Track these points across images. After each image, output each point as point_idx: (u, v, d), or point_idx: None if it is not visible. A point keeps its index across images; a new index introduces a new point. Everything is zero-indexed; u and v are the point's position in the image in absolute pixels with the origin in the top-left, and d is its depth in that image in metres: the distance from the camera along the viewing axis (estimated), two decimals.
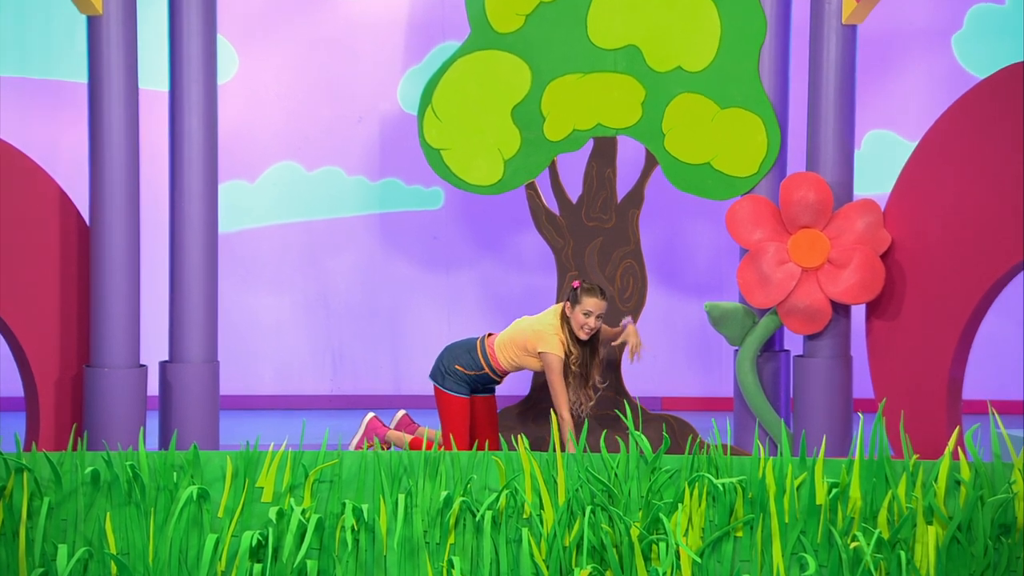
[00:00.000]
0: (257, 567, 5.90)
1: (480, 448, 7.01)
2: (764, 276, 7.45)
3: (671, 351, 10.22)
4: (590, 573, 5.85)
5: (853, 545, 5.86)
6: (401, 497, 6.01)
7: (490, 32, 7.56)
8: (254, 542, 5.94)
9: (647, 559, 5.92)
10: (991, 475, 5.92)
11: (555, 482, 6.03)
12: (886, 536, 5.88)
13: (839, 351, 7.54)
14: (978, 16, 10.16)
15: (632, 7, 7.51)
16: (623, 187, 7.65)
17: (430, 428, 7.49)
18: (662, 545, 5.85)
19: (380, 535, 6.03)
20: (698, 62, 7.50)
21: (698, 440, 7.24)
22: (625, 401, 7.47)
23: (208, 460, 6.13)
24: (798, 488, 5.98)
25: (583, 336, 7.09)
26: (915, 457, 6.01)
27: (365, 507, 6.03)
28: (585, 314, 7.07)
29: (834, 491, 5.95)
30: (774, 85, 7.67)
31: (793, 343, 7.80)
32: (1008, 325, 9.92)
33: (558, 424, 6.74)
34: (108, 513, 6.07)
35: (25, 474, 6.05)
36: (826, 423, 7.47)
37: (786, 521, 5.96)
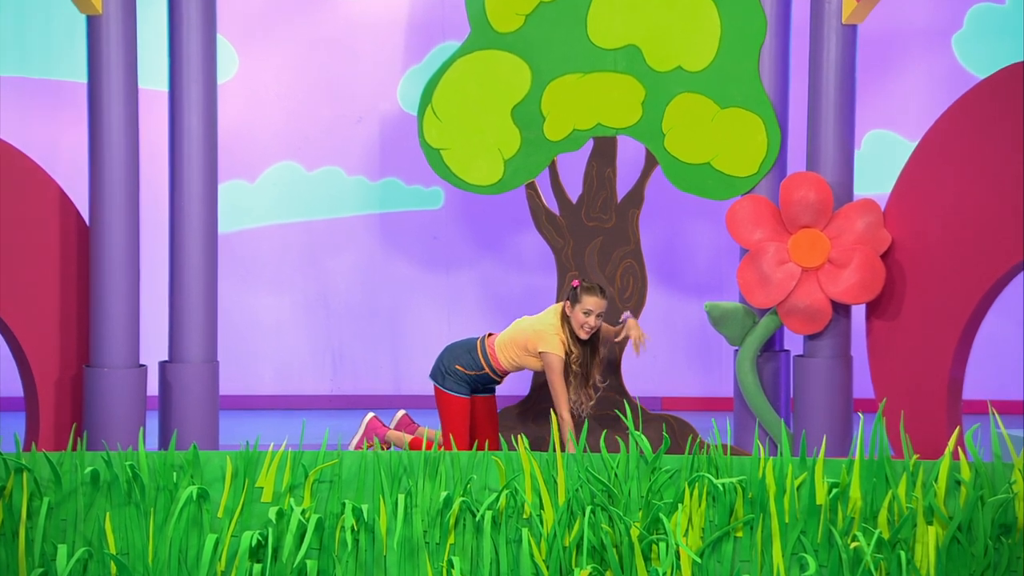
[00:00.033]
0: (257, 567, 5.90)
1: (480, 448, 7.01)
2: (764, 276, 7.45)
3: (671, 351, 10.22)
4: (590, 573, 5.85)
5: (853, 545, 5.86)
6: (401, 497, 6.00)
7: (490, 32, 7.56)
8: (254, 542, 5.94)
9: (647, 559, 5.92)
10: (991, 475, 5.91)
11: (555, 482, 6.03)
12: (886, 536, 5.87)
13: (839, 351, 7.53)
14: (978, 16, 10.16)
15: (632, 7, 7.51)
16: (623, 187, 7.65)
17: (430, 428, 7.48)
18: (662, 545, 5.85)
19: (380, 535, 6.02)
20: (698, 62, 7.50)
21: (698, 440, 7.24)
22: (625, 401, 7.46)
23: (208, 460, 6.13)
24: (798, 488, 5.98)
25: (583, 335, 7.09)
26: (915, 457, 6.00)
27: (365, 507, 6.03)
28: (585, 313, 7.06)
29: (834, 491, 5.95)
30: (774, 85, 7.67)
31: (793, 343, 7.79)
32: (1008, 325, 9.91)
33: (558, 424, 6.74)
34: (108, 513, 6.07)
35: (25, 474, 6.05)
36: (826, 423, 7.47)
37: (786, 521, 5.95)
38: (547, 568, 5.93)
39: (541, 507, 6.00)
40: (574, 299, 7.09)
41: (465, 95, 7.57)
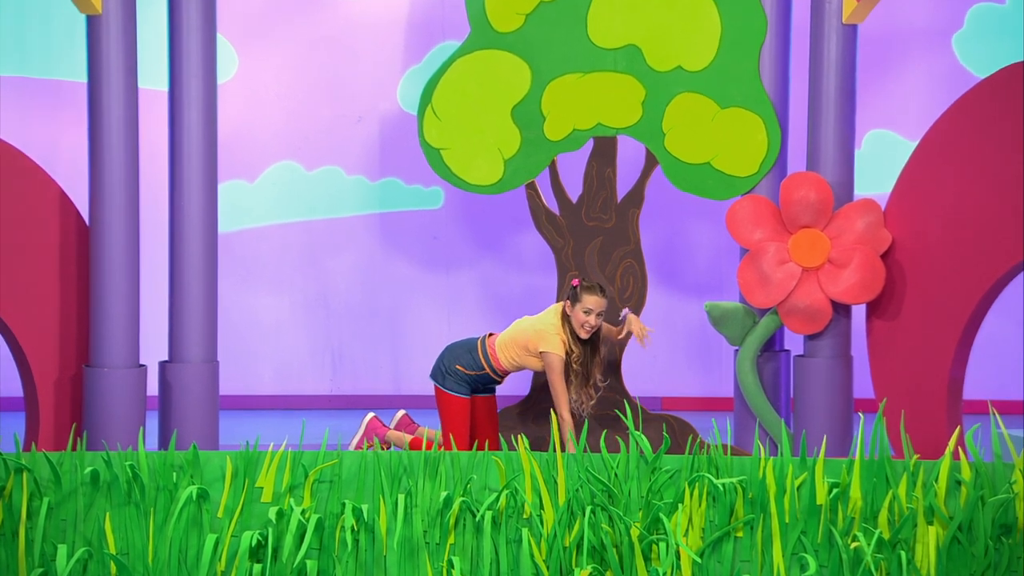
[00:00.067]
0: (257, 567, 5.90)
1: (480, 448, 7.00)
2: (764, 276, 7.44)
3: (671, 351, 10.21)
4: (590, 573, 5.85)
5: (854, 545, 5.86)
6: (401, 497, 6.00)
7: (490, 32, 7.56)
8: (254, 542, 5.93)
9: (647, 559, 5.92)
10: (992, 475, 5.91)
11: (555, 482, 6.02)
12: (887, 536, 5.87)
13: (839, 351, 7.53)
14: (979, 16, 10.16)
15: (632, 7, 7.51)
16: (623, 187, 7.64)
17: (430, 428, 7.48)
18: (662, 545, 5.85)
19: (380, 535, 6.02)
20: (698, 62, 7.50)
21: (698, 440, 7.23)
22: (625, 401, 7.46)
23: (208, 460, 6.13)
24: (798, 488, 5.97)
25: (584, 335, 7.09)
26: (916, 457, 6.00)
27: (365, 507, 6.02)
28: (585, 312, 7.06)
29: (834, 491, 5.94)
30: (774, 85, 7.66)
31: (793, 343, 7.79)
32: (1008, 325, 9.91)
33: (558, 424, 6.74)
34: (108, 513, 6.06)
35: (25, 474, 6.05)
36: (826, 423, 7.46)
37: (786, 521, 5.95)
38: (547, 568, 5.93)
39: (541, 507, 6.00)
40: (574, 298, 7.08)
41: (465, 95, 7.56)
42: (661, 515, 5.90)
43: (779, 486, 5.95)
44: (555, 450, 6.05)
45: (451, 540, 6.01)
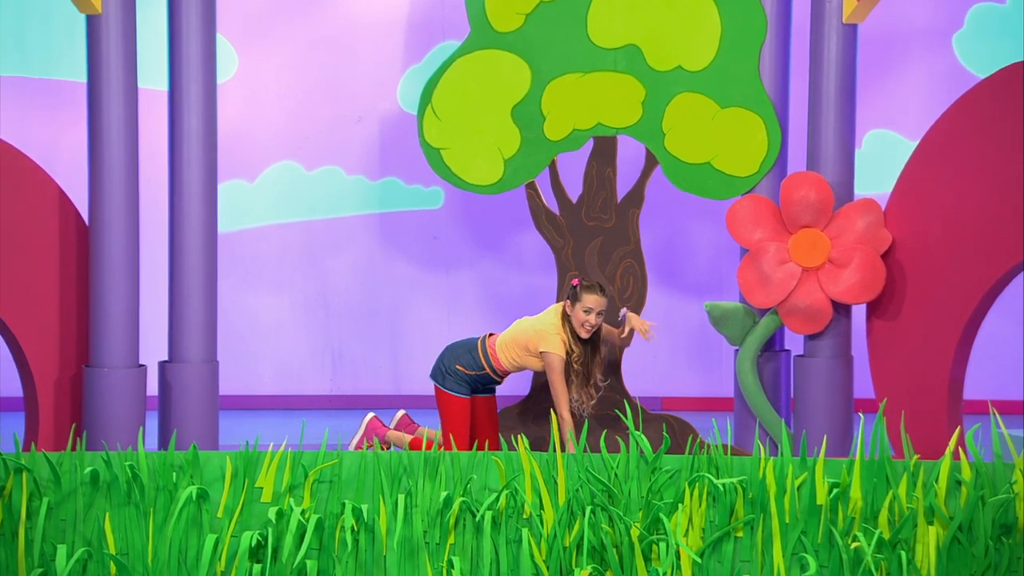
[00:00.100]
0: (256, 567, 5.89)
1: (480, 448, 7.00)
2: (764, 276, 7.44)
3: (671, 351, 10.21)
4: (590, 573, 5.84)
5: (854, 545, 5.85)
6: (401, 497, 6.00)
7: (490, 31, 7.55)
8: (253, 542, 5.93)
9: (647, 559, 5.91)
10: (992, 475, 5.91)
11: (555, 482, 6.02)
12: (887, 536, 5.87)
13: (840, 351, 7.53)
14: (979, 15, 10.15)
15: (632, 6, 7.50)
16: (623, 187, 7.64)
17: (430, 428, 7.48)
18: (662, 545, 5.84)
19: (380, 535, 6.02)
20: (698, 61, 7.49)
21: (698, 440, 7.23)
22: (625, 401, 7.46)
23: (208, 460, 6.13)
24: (799, 488, 5.97)
25: (584, 334, 7.08)
26: (916, 457, 5.99)
27: (365, 507, 6.02)
28: (585, 311, 7.06)
29: (835, 491, 5.94)
30: (774, 84, 7.66)
31: (794, 343, 7.78)
32: (1008, 325, 9.91)
33: (558, 424, 6.73)
34: (107, 513, 6.06)
35: (24, 474, 6.04)
36: (827, 423, 7.46)
37: (787, 521, 5.95)
38: (547, 568, 5.93)
39: (541, 507, 6.00)
40: (574, 298, 7.08)
41: (465, 95, 7.56)
42: (661, 515, 5.89)
43: (779, 486, 5.95)
44: (555, 450, 6.05)
45: (451, 540, 6.01)
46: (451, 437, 7.01)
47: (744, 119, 7.51)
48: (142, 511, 6.05)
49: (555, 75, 7.54)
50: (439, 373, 7.24)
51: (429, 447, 6.99)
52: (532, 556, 5.94)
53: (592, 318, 7.07)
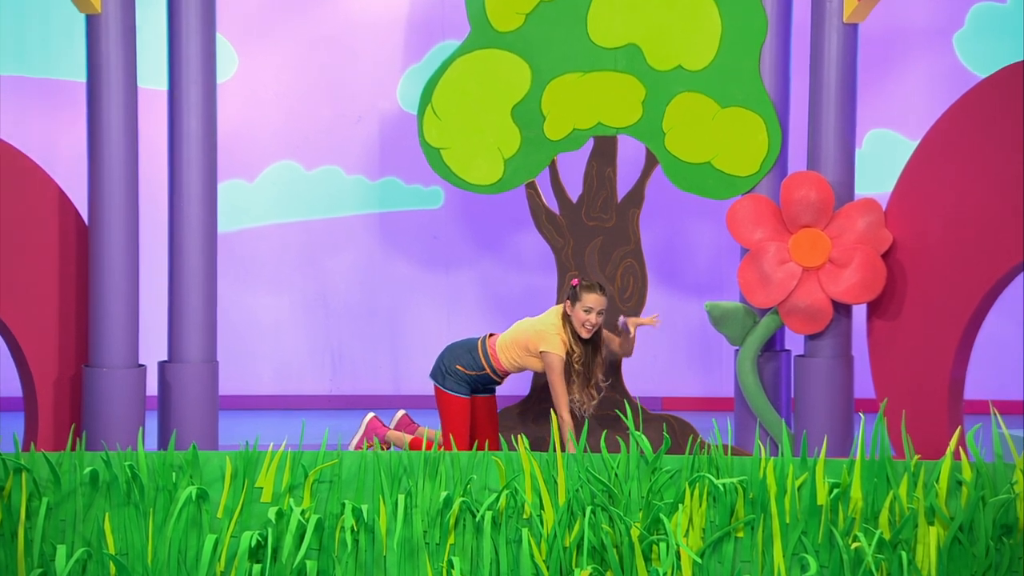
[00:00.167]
0: (256, 567, 5.89)
1: (480, 448, 6.99)
2: (765, 276, 7.43)
3: (671, 351, 10.21)
4: (590, 574, 5.84)
5: (854, 546, 5.85)
6: (401, 497, 5.99)
7: (490, 31, 7.55)
8: (253, 542, 5.93)
9: (647, 559, 5.91)
10: (992, 475, 5.90)
11: (555, 482, 6.02)
12: (887, 537, 5.86)
13: (840, 351, 7.52)
14: (979, 15, 10.15)
15: (632, 6, 7.50)
16: (623, 186, 7.63)
17: (430, 428, 7.47)
18: (662, 545, 5.84)
19: (380, 535, 6.01)
20: (699, 61, 7.49)
21: (699, 440, 7.22)
22: (625, 401, 7.45)
23: (207, 460, 6.12)
24: (799, 488, 5.97)
25: (585, 334, 7.08)
26: (916, 457, 5.99)
27: (365, 507, 6.01)
28: (586, 311, 7.05)
29: (835, 491, 5.93)
30: (775, 84, 7.65)
31: (794, 343, 7.78)
32: (1009, 325, 9.90)
33: (558, 424, 6.72)
34: (107, 513, 6.06)
35: (24, 474, 6.04)
36: (827, 423, 7.45)
37: (787, 521, 5.94)
38: (547, 568, 5.92)
39: (541, 507, 5.99)
40: (574, 298, 7.08)
41: (465, 94, 7.55)
42: (661, 515, 5.89)
43: (780, 486, 5.94)
44: (555, 450, 6.04)
45: (451, 540, 6.01)
46: (451, 437, 7.00)
47: (744, 119, 7.50)
48: (142, 511, 6.05)
49: (555, 75, 7.53)
50: (439, 373, 7.24)
51: (429, 447, 6.99)
52: (532, 556, 5.93)
53: (592, 317, 7.06)
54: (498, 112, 7.55)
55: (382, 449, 7.33)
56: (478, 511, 5.97)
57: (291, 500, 6.04)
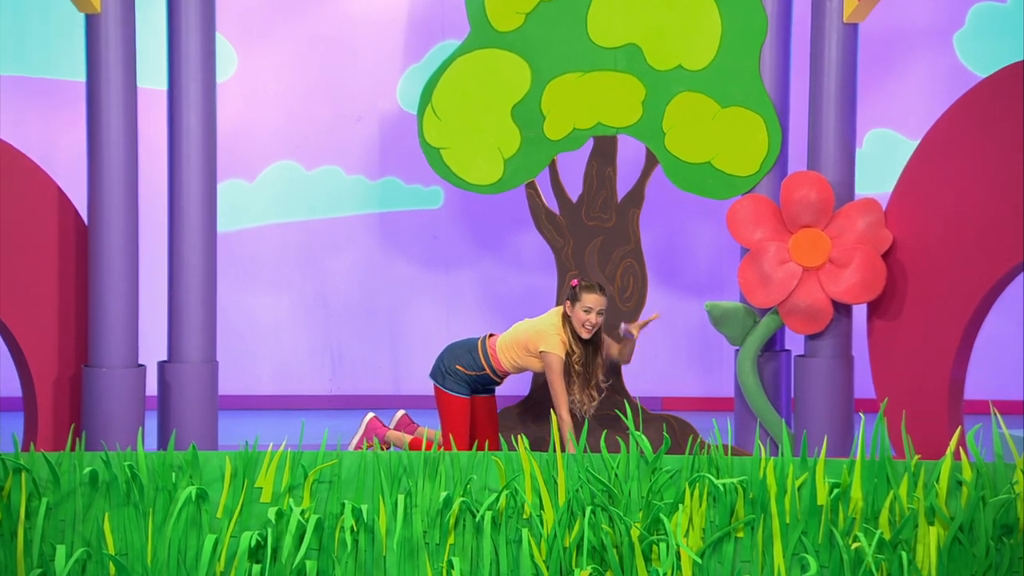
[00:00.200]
0: (256, 568, 5.88)
1: (480, 448, 6.99)
2: (765, 275, 7.43)
3: (671, 351, 10.20)
4: (590, 574, 5.84)
5: (854, 546, 5.84)
6: (401, 497, 5.99)
7: (490, 31, 7.54)
8: (253, 542, 5.92)
9: (647, 560, 5.91)
10: (993, 475, 5.90)
11: (555, 482, 6.01)
12: (887, 537, 5.86)
13: (840, 351, 7.52)
14: (980, 15, 10.15)
15: (632, 6, 7.49)
16: (623, 186, 7.63)
17: (430, 428, 7.47)
18: (663, 546, 5.84)
19: (380, 536, 6.01)
20: (699, 61, 7.48)
21: (699, 440, 7.22)
22: (625, 401, 7.44)
23: (207, 460, 6.12)
24: (799, 488, 5.96)
25: (585, 334, 7.07)
26: (916, 457, 5.99)
27: (364, 507, 6.01)
28: (585, 311, 7.05)
29: (835, 491, 5.93)
30: (775, 84, 7.65)
31: (794, 343, 7.78)
32: (1009, 325, 9.90)
33: (558, 424, 6.72)
34: (106, 513, 6.05)
35: (23, 474, 6.03)
36: (827, 423, 7.45)
37: (787, 522, 5.94)
38: (547, 568, 5.92)
39: (541, 507, 5.99)
40: (574, 298, 7.07)
41: (465, 94, 7.55)
42: (661, 515, 5.89)
43: (780, 486, 5.94)
44: (555, 450, 6.04)
45: (451, 540, 6.00)
46: (451, 437, 7.00)
47: (744, 118, 7.50)
48: (141, 511, 6.04)
49: (555, 74, 7.53)
50: (439, 373, 7.24)
51: (429, 447, 6.98)
52: (532, 556, 5.93)
53: (592, 317, 7.06)
54: (498, 112, 7.55)
55: (382, 449, 7.33)
56: (478, 511, 5.96)
57: (291, 500, 6.04)
